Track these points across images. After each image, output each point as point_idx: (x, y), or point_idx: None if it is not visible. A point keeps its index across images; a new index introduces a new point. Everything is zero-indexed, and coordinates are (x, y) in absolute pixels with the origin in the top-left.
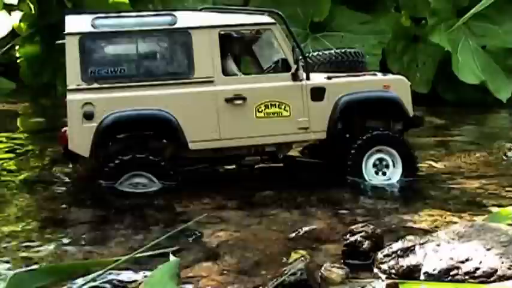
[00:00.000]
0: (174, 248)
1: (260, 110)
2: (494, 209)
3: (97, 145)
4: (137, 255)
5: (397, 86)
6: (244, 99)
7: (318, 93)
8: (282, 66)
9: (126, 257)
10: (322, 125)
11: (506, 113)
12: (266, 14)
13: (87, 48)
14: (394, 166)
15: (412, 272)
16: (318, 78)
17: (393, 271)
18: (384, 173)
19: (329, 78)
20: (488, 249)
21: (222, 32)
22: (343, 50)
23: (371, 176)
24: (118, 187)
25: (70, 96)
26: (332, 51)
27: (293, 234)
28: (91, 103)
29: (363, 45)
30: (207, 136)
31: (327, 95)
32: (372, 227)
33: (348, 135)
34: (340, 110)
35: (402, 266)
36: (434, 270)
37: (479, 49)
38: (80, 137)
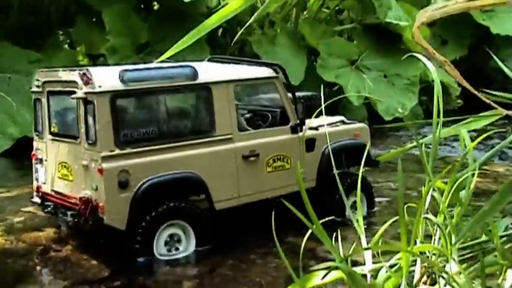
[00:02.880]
0: None
1: (269, 164)
2: None
3: (134, 216)
4: None
5: (363, 133)
6: (257, 155)
7: (310, 143)
8: (280, 118)
9: None
10: (313, 173)
11: None
12: (269, 67)
13: (120, 108)
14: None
15: None
16: (308, 130)
17: None
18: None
19: (316, 129)
20: None
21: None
22: (302, 94)
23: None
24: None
25: (105, 165)
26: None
27: None
28: (127, 171)
29: None
30: (228, 195)
31: (317, 145)
32: None
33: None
34: (327, 158)
35: None
36: None
37: None
38: (116, 209)
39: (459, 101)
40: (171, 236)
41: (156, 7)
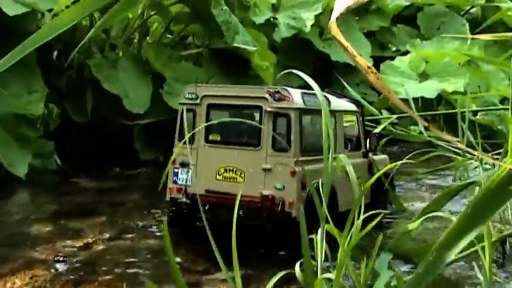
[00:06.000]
0: None
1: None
2: None
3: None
4: None
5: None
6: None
7: (370, 167)
8: (356, 145)
9: None
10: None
11: (25, 191)
12: (353, 102)
13: (303, 123)
14: None
15: None
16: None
17: None
18: None
19: (373, 155)
20: None
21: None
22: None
23: None
24: None
25: (296, 168)
26: None
27: None
28: (305, 174)
29: None
30: (342, 202)
31: (373, 169)
32: None
33: None
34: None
35: None
36: None
37: None
38: (300, 205)
39: None
40: None
41: None
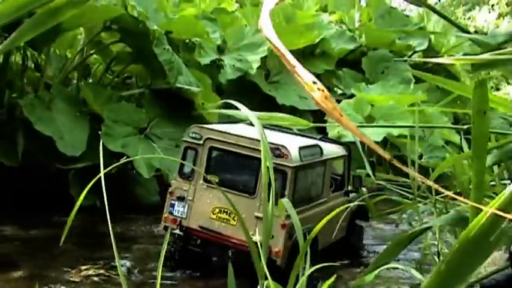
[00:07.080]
0: None
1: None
2: None
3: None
4: None
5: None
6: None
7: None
8: (339, 185)
9: None
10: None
11: None
12: (341, 145)
13: (297, 178)
14: None
15: None
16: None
17: None
18: None
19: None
20: None
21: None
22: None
23: None
24: None
25: (287, 221)
26: None
27: None
28: (293, 226)
29: None
30: (324, 241)
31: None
32: None
33: None
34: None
35: None
36: None
37: None
38: (285, 254)
39: None
40: None
41: None
